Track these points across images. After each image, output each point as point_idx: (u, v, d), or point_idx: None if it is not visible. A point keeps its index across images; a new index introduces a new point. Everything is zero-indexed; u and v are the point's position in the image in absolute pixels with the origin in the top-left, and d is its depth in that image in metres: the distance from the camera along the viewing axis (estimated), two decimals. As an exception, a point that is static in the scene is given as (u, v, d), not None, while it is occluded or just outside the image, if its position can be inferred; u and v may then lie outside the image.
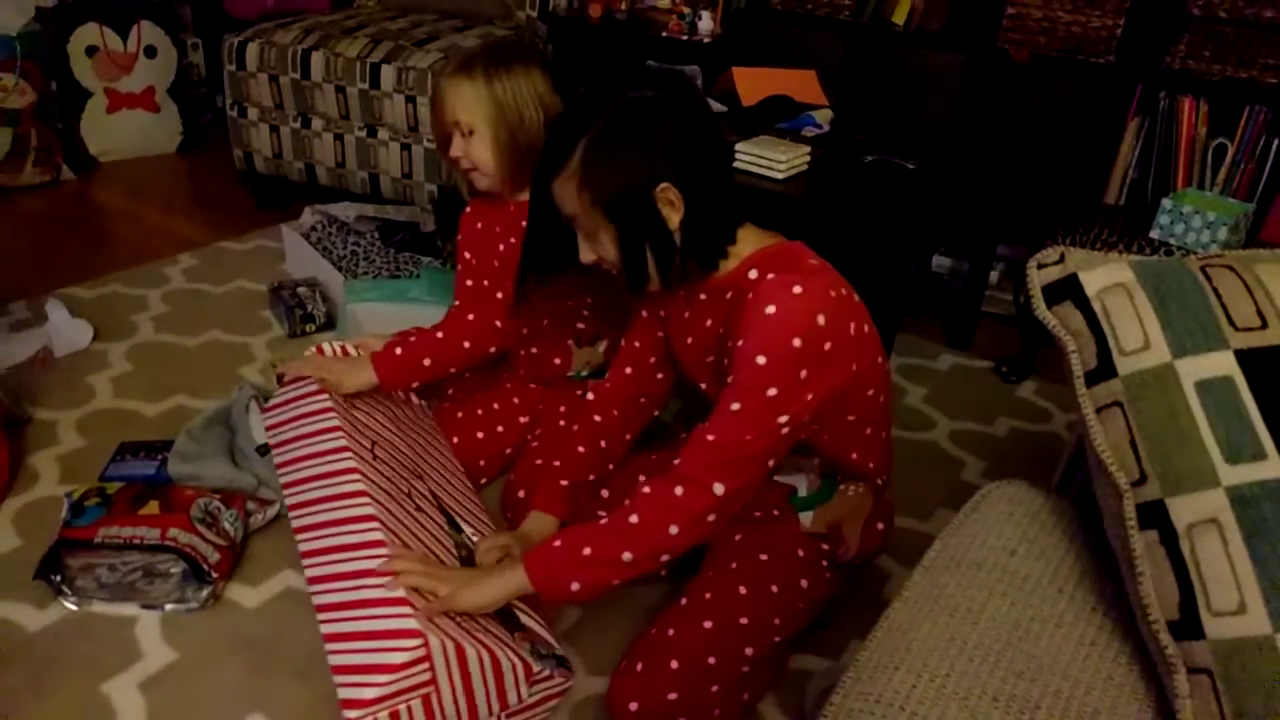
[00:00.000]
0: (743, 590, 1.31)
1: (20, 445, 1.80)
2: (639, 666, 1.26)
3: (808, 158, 2.13)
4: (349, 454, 1.34)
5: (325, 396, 1.47)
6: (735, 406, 1.16)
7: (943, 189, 2.26)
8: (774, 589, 1.33)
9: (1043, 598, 0.88)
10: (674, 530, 1.16)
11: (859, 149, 2.25)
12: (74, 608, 1.46)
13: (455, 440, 1.71)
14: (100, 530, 1.46)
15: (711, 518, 1.17)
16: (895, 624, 0.87)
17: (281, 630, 1.44)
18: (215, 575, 1.47)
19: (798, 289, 1.14)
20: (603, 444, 1.50)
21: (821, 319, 1.14)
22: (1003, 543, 0.95)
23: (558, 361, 1.80)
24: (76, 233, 2.85)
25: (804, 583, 1.35)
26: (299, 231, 2.52)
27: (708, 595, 1.31)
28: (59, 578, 1.46)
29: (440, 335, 1.66)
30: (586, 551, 1.16)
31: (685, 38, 2.99)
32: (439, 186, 2.65)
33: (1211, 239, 2.00)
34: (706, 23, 3.00)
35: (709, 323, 1.33)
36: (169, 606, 1.46)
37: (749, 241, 1.27)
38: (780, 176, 2.05)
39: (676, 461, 1.18)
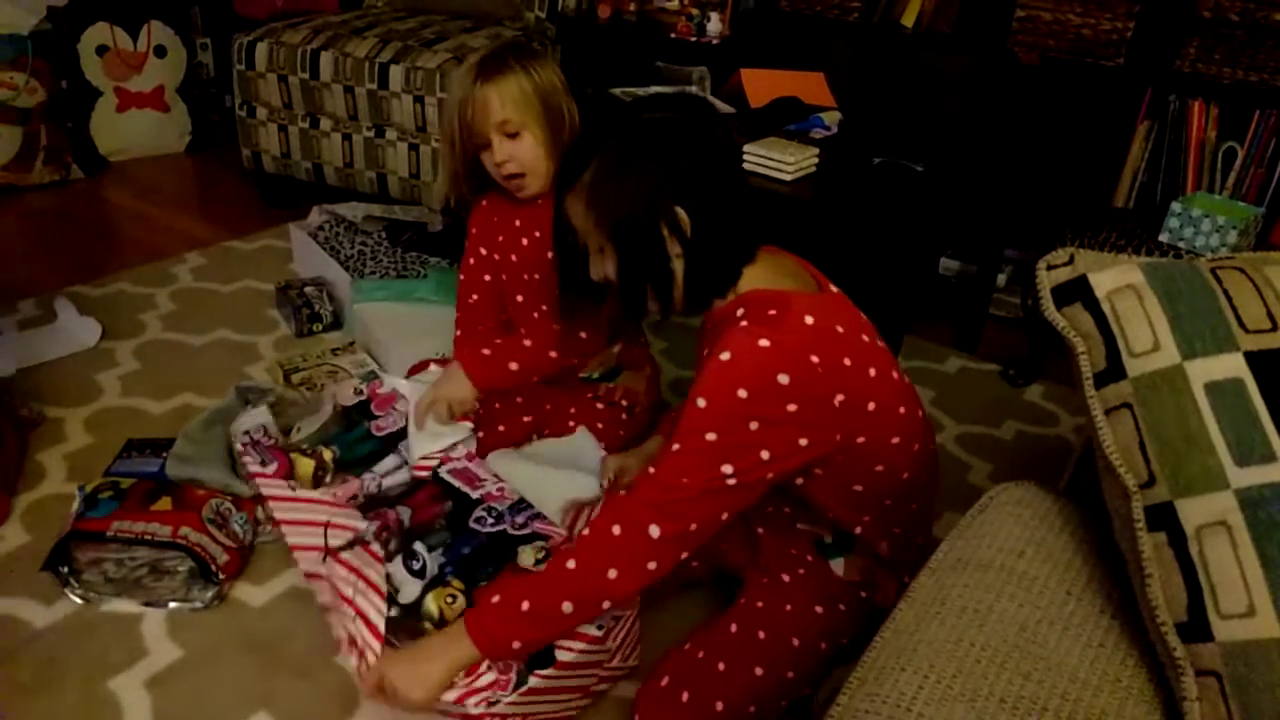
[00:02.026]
0: (795, 642, 1.29)
1: (27, 442, 1.80)
2: (664, 681, 1.25)
3: (816, 159, 2.13)
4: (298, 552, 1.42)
5: (268, 484, 1.50)
6: (675, 446, 1.13)
7: (951, 191, 2.25)
8: (823, 646, 1.31)
9: (1050, 599, 0.88)
10: (613, 574, 1.13)
11: (867, 151, 2.24)
12: (79, 600, 1.46)
13: None
14: (114, 523, 1.46)
15: (652, 565, 1.13)
16: (902, 625, 0.86)
17: (287, 629, 1.44)
18: (222, 576, 1.47)
19: (764, 342, 1.08)
20: None
21: (784, 379, 1.07)
22: (1010, 544, 0.94)
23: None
24: (85, 231, 2.86)
25: (824, 644, 1.33)
26: (306, 231, 2.53)
27: (761, 635, 1.29)
28: (66, 569, 1.46)
29: (528, 343, 1.65)
30: (525, 606, 1.14)
31: (693, 39, 3.00)
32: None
33: (1221, 243, 2.00)
34: (715, 24, 3.00)
35: (706, 352, 1.29)
36: (173, 604, 1.46)
37: (756, 276, 1.21)
38: (788, 178, 2.05)
39: (617, 497, 1.17)
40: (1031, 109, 2.52)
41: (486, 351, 1.63)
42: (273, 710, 1.31)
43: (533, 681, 1.20)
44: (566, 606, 1.14)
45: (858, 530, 1.31)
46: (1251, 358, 0.80)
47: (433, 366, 1.79)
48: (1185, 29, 2.31)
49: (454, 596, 1.30)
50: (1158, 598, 0.80)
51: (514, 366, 1.63)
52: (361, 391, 1.66)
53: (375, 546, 1.37)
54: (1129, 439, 0.84)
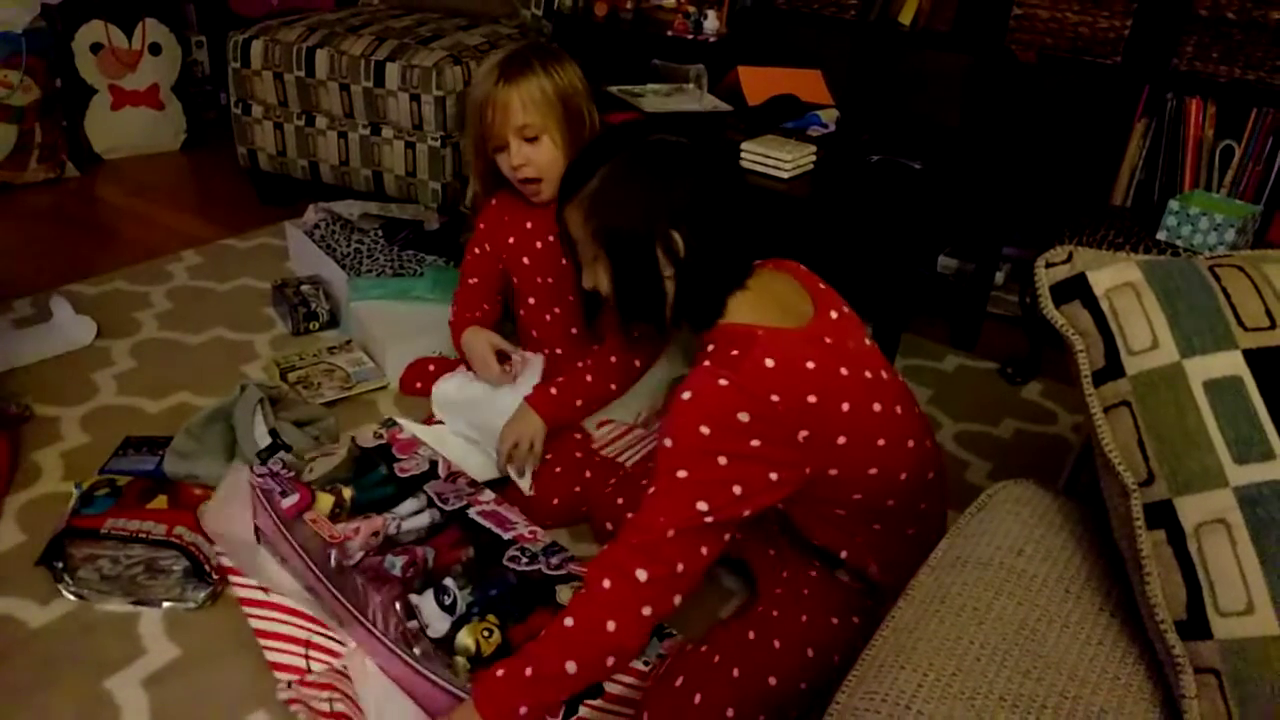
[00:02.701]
0: (810, 653, 1.29)
1: (18, 440, 1.79)
2: (678, 681, 1.24)
3: (813, 157, 2.13)
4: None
5: (243, 586, 1.44)
6: (651, 489, 1.14)
7: (949, 189, 2.25)
8: (835, 660, 1.30)
9: (1050, 597, 0.88)
10: (611, 626, 1.12)
11: (865, 149, 2.24)
12: (72, 598, 1.45)
13: None
14: (108, 521, 1.46)
15: (647, 610, 1.13)
16: (901, 623, 0.86)
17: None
18: (216, 576, 1.47)
19: (723, 381, 1.10)
20: None
21: (744, 416, 1.10)
22: (1010, 542, 0.94)
23: None
24: (80, 230, 2.85)
25: (836, 657, 1.32)
26: (303, 229, 2.52)
27: (776, 644, 1.29)
28: (61, 565, 1.45)
29: (590, 379, 1.66)
30: (529, 672, 1.13)
31: (690, 37, 2.99)
32: (444, 185, 2.65)
33: (1219, 241, 2.00)
34: (712, 22, 2.99)
35: None
36: (166, 604, 1.46)
37: (741, 305, 1.22)
38: (786, 176, 2.05)
39: (603, 550, 1.18)
40: (1029, 107, 2.52)
41: (554, 391, 1.65)
42: (270, 709, 1.31)
43: (583, 711, 1.21)
44: (570, 666, 1.13)
45: (843, 555, 1.31)
46: (1250, 355, 0.80)
47: (440, 422, 1.81)
48: (1182, 27, 2.31)
49: (490, 630, 1.29)
50: (1157, 595, 0.80)
51: (579, 403, 1.66)
52: (381, 435, 1.67)
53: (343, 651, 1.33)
54: (1128, 437, 0.84)
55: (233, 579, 1.45)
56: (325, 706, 1.26)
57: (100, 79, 3.31)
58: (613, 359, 1.67)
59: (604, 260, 1.22)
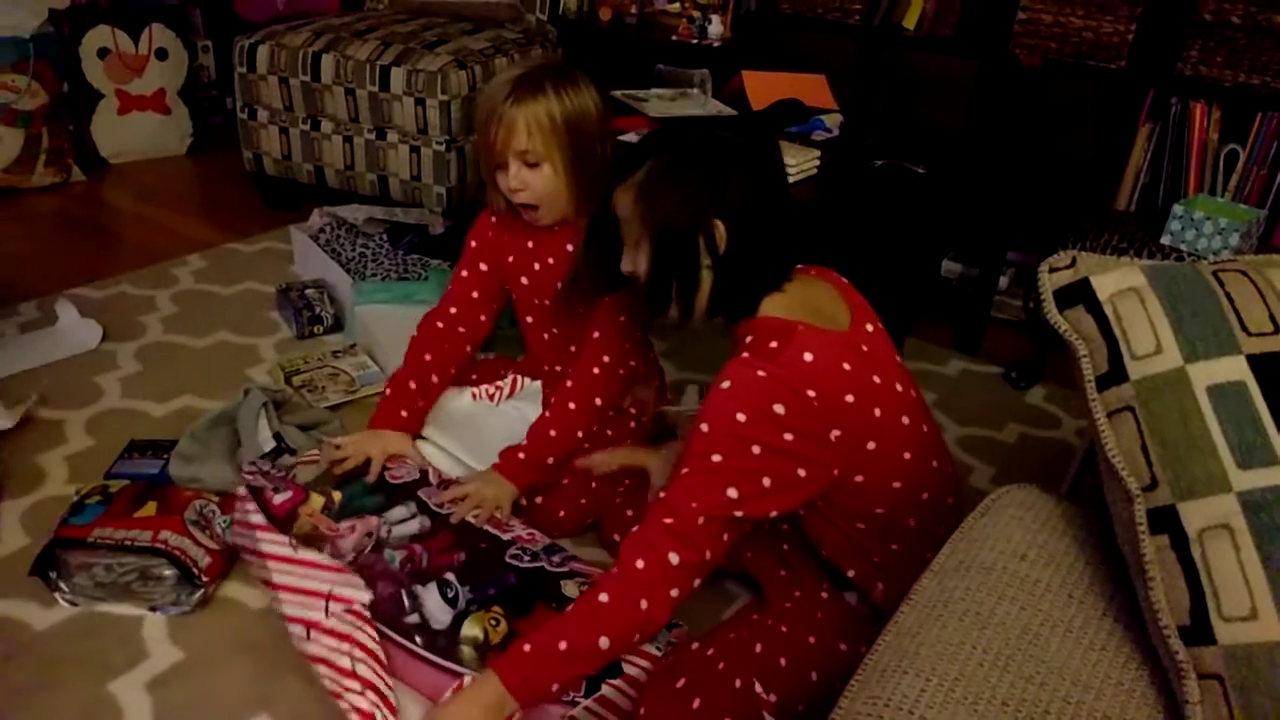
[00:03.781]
0: (814, 676, 1.29)
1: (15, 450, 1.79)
2: (680, 683, 1.24)
3: (817, 162, 2.13)
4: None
5: (269, 540, 1.42)
6: (684, 471, 1.15)
7: (953, 194, 2.25)
8: (837, 686, 1.30)
9: (1053, 602, 0.88)
10: (644, 605, 1.14)
11: (869, 153, 2.24)
12: (68, 606, 1.45)
13: None
14: (95, 530, 1.45)
15: (675, 592, 1.15)
16: (904, 628, 0.86)
17: (287, 631, 1.43)
18: (205, 579, 1.46)
19: (761, 373, 1.12)
20: None
21: (779, 409, 1.11)
22: (1012, 547, 0.94)
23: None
24: (86, 234, 2.86)
25: (839, 684, 1.32)
26: (308, 233, 2.53)
27: (782, 661, 1.28)
28: (55, 574, 1.45)
29: (554, 434, 1.60)
30: (563, 646, 1.14)
31: (695, 41, 3.00)
32: (448, 189, 2.65)
33: (1223, 245, 2.00)
34: (716, 26, 3.00)
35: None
36: (159, 610, 1.46)
37: (776, 306, 1.23)
38: (790, 181, 2.05)
39: (635, 530, 1.18)
40: (1033, 112, 2.52)
41: (522, 455, 1.60)
42: (273, 712, 1.31)
43: (605, 690, 1.21)
44: (604, 641, 1.15)
45: (850, 573, 1.31)
46: (1254, 360, 0.79)
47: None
48: (1186, 31, 2.31)
49: (497, 620, 1.30)
50: (1160, 601, 0.80)
51: (550, 461, 1.61)
52: None
53: (360, 604, 1.30)
54: (1131, 442, 0.84)
55: (260, 535, 1.41)
56: (346, 663, 1.24)
57: (107, 84, 3.32)
58: (571, 406, 1.61)
59: (647, 245, 1.24)
